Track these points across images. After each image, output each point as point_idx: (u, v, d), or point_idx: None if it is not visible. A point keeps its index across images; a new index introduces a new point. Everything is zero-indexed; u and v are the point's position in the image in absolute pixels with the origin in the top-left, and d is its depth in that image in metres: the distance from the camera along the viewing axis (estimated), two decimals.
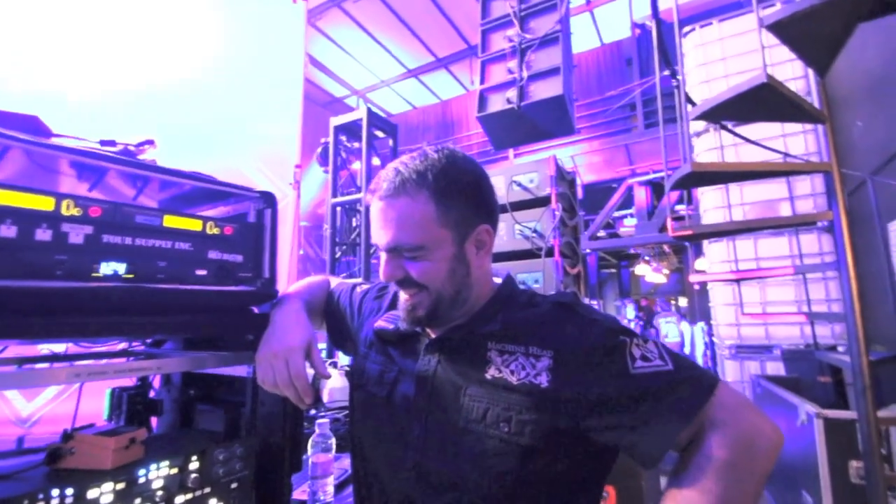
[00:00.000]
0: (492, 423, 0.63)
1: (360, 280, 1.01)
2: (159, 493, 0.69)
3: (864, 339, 1.60)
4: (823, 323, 3.66)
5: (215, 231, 0.84)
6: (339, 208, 2.91)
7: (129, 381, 1.13)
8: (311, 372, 0.73)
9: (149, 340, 1.13)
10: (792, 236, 3.74)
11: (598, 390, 0.61)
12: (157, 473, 0.70)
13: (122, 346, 1.14)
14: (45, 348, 1.07)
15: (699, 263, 7.63)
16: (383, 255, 0.70)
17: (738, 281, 3.27)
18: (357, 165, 3.43)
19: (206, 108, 2.06)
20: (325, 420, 1.06)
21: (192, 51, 2.05)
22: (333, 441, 1.04)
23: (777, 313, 3.48)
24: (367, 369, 0.78)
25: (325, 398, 1.67)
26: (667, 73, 2.39)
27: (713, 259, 4.12)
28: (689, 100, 2.25)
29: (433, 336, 0.73)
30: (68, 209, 0.66)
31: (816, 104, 1.89)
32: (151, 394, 1.11)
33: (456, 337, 0.70)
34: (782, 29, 1.55)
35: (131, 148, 0.80)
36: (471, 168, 0.71)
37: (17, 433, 1.59)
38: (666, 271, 10.40)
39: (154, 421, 1.10)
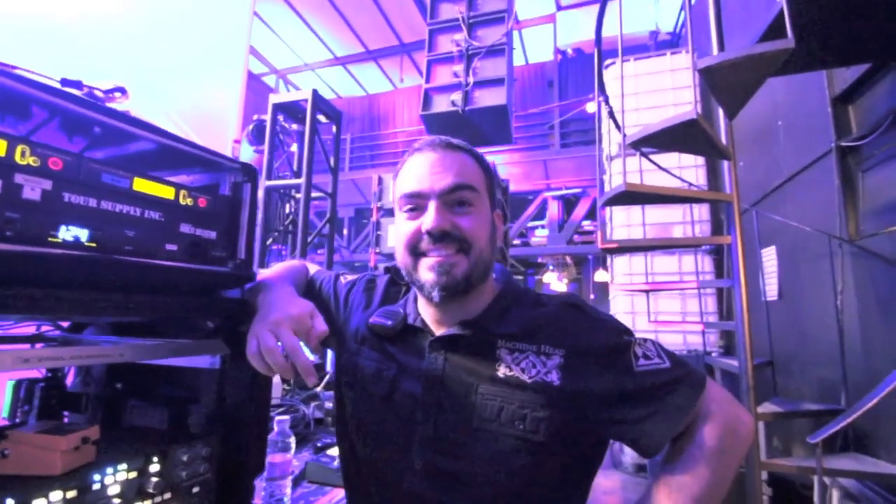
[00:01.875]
0: (506, 421, 0.63)
1: (342, 271, 0.95)
2: (115, 500, 0.59)
3: (751, 347, 1.88)
4: (696, 332, 4.25)
5: (188, 202, 0.74)
6: (272, 193, 2.70)
7: (37, 372, 0.95)
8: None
9: (66, 324, 0.96)
10: (682, 256, 4.27)
11: (606, 387, 0.64)
12: (114, 478, 0.59)
13: (27, 328, 0.95)
14: None
15: (599, 275, 8.38)
16: (432, 204, 0.67)
17: (647, 292, 3.66)
18: (293, 148, 3.23)
19: (130, 52, 1.76)
20: (286, 417, 0.98)
21: None
22: (293, 440, 0.97)
23: (674, 322, 3.94)
24: (361, 366, 0.74)
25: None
26: (602, 99, 2.60)
27: (617, 272, 4.56)
28: (619, 127, 2.47)
29: (438, 333, 0.71)
30: (24, 157, 0.54)
31: (724, 143, 2.19)
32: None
33: (466, 335, 0.69)
34: (710, 74, 1.78)
35: (98, 93, 0.67)
36: None
37: None
38: (566, 281, 11.24)
39: (65, 419, 0.93)
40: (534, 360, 0.66)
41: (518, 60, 9.61)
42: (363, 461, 0.71)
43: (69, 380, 0.99)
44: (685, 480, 0.62)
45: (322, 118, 2.76)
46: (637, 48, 7.49)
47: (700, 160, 4.49)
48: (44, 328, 0.95)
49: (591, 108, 7.23)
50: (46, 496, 0.52)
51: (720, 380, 3.77)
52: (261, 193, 2.56)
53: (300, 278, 0.86)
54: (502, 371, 0.66)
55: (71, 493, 0.55)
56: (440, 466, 0.64)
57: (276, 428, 0.97)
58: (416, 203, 0.69)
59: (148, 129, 0.67)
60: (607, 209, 5.17)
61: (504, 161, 7.54)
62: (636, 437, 0.64)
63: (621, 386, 0.64)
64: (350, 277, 0.88)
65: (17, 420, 0.87)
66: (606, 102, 2.66)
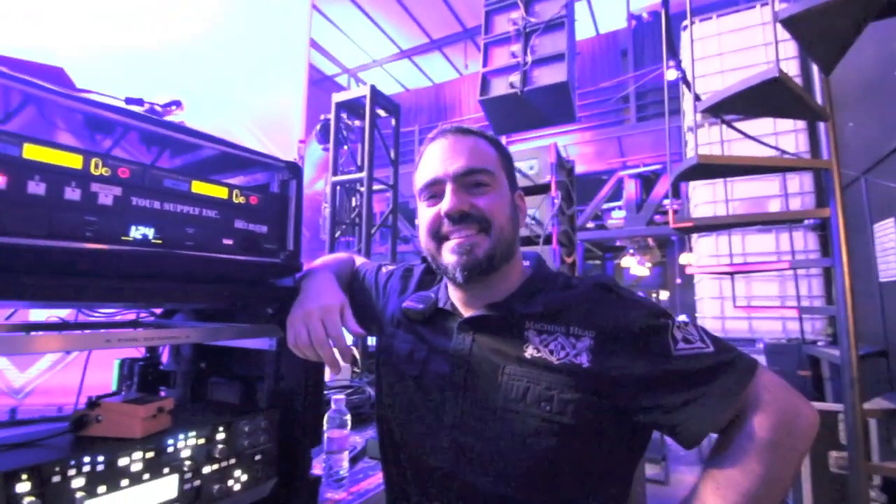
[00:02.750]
0: (533, 402, 0.63)
1: (385, 261, 0.99)
2: (187, 462, 0.68)
3: (855, 334, 1.66)
4: (804, 318, 3.79)
5: (241, 200, 0.82)
6: (338, 187, 2.86)
7: (136, 352, 1.11)
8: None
9: (158, 311, 1.10)
10: (780, 233, 3.83)
11: (641, 371, 0.61)
12: (186, 443, 0.69)
13: (122, 316, 1.11)
14: (49, 316, 1.03)
15: (684, 258, 7.79)
16: (449, 186, 0.69)
17: (731, 274, 3.35)
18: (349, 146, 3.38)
19: (203, 71, 1.97)
20: (341, 396, 1.05)
21: (190, 9, 1.96)
22: (349, 417, 1.04)
23: (767, 307, 3.58)
24: (396, 348, 0.78)
25: (327, 376, 1.66)
26: (672, 64, 2.40)
27: (702, 253, 4.21)
28: (696, 96, 2.26)
29: (466, 315, 0.73)
30: (97, 168, 0.63)
31: (819, 102, 1.92)
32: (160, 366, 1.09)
33: (493, 316, 0.70)
34: (795, 24, 1.56)
35: (158, 108, 0.76)
36: None
37: (10, 404, 1.54)
38: (649, 265, 10.56)
39: (162, 393, 1.08)
40: (563, 341, 0.65)
41: (587, 32, 9.11)
42: (397, 439, 0.75)
43: (165, 359, 1.14)
44: (734, 475, 0.57)
45: (381, 112, 2.84)
46: (724, 2, 6.76)
47: (800, 124, 3.98)
48: (142, 315, 1.11)
49: (671, 75, 6.64)
50: (129, 455, 0.62)
51: (827, 372, 3.36)
52: (328, 189, 2.72)
53: (344, 268, 0.92)
54: (530, 352, 0.65)
55: (150, 454, 0.64)
56: (466, 445, 0.66)
57: (333, 406, 1.04)
58: (433, 191, 0.71)
59: (199, 136, 0.75)
60: (690, 185, 4.77)
61: (573, 141, 7.23)
62: (673, 424, 0.60)
63: (657, 370, 0.61)
64: (390, 267, 0.92)
65: (123, 393, 1.03)
66: (679, 67, 2.44)
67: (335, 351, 0.67)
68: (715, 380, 0.60)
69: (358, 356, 1.90)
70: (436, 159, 0.71)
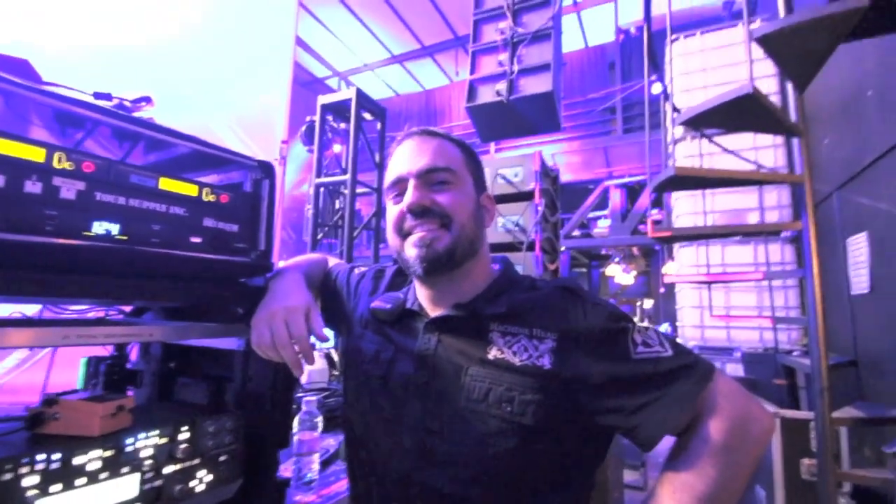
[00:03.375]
0: (494, 402, 0.63)
1: (357, 263, 0.99)
2: (148, 462, 0.67)
3: (825, 345, 1.70)
4: (781, 329, 3.87)
5: (211, 198, 0.81)
6: (322, 189, 2.86)
7: (104, 351, 1.09)
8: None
9: (128, 309, 1.09)
10: (758, 245, 3.92)
11: (601, 373, 0.62)
12: (146, 442, 0.67)
13: (95, 313, 1.09)
14: (12, 312, 1.01)
15: (667, 267, 7.90)
16: (411, 183, 0.70)
17: (708, 283, 3.40)
18: (339, 148, 3.38)
19: (187, 69, 1.96)
20: (313, 398, 1.04)
21: (176, 9, 1.95)
22: (320, 419, 1.03)
23: (743, 316, 3.65)
24: (363, 349, 0.78)
25: (305, 378, 1.65)
26: (654, 78, 2.45)
27: (683, 263, 4.27)
28: (674, 108, 2.31)
29: (433, 315, 0.73)
30: (60, 162, 0.62)
31: (793, 118, 1.98)
32: (128, 365, 1.07)
33: (457, 317, 0.70)
34: (769, 42, 1.61)
35: (127, 103, 0.76)
36: None
37: None
38: (634, 273, 10.69)
39: (130, 393, 1.06)
40: (526, 343, 0.65)
41: (576, 44, 9.25)
42: (360, 440, 0.75)
43: (133, 358, 1.12)
44: (689, 479, 0.58)
45: (367, 115, 2.85)
46: (709, 20, 6.91)
47: (779, 140, 4.08)
48: (110, 313, 1.09)
49: (655, 89, 6.73)
50: (86, 454, 0.61)
51: (802, 381, 3.42)
52: (311, 190, 2.71)
53: (315, 269, 0.91)
54: (493, 353, 0.66)
55: (108, 453, 0.63)
56: (429, 446, 0.66)
57: (304, 407, 1.03)
58: (398, 189, 0.72)
59: (167, 132, 0.74)
60: (672, 196, 4.85)
61: (561, 150, 7.31)
62: (631, 427, 0.61)
63: (617, 373, 0.62)
64: (363, 268, 0.92)
65: (88, 391, 1.01)
66: (661, 81, 2.49)
67: (298, 353, 0.67)
68: (673, 383, 0.61)
69: (336, 358, 1.89)
70: (402, 159, 0.72)
